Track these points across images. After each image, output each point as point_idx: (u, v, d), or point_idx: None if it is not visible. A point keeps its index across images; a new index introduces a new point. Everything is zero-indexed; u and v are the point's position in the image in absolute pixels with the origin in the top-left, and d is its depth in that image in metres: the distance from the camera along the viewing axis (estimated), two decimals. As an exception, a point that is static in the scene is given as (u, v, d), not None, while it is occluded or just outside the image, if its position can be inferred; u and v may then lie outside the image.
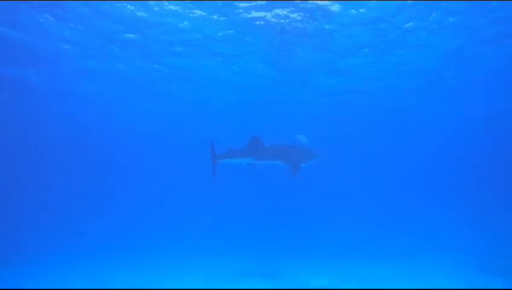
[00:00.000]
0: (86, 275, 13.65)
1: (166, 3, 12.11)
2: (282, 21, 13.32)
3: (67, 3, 12.03)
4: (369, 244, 18.18)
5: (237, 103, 27.06)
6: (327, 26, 13.74)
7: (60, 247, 18.76)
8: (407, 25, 13.86)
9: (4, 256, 16.39)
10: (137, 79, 21.07)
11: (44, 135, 35.41)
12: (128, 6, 12.30)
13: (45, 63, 18.07)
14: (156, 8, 12.42)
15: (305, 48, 16.19)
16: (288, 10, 12.56)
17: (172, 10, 12.55)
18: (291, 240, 20.12)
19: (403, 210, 30.79)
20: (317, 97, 25.29)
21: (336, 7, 12.27)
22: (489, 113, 30.03)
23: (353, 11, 12.55)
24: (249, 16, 12.89)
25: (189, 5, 12.19)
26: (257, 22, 13.40)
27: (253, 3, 12.02)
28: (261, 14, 12.83)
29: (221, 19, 13.17)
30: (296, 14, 12.86)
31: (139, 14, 12.80)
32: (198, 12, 12.71)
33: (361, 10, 12.56)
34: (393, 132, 37.49)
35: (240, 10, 12.49)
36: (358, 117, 31.09)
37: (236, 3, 11.97)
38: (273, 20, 13.24)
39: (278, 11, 12.63)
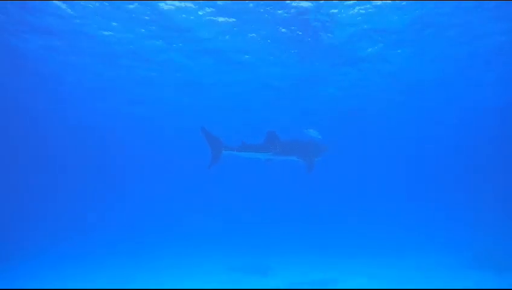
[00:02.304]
0: (86, 272, 14.02)
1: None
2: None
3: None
4: (363, 240, 18.53)
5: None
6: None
7: (62, 244, 19.17)
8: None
9: (7, 252, 16.77)
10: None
11: (47, 131, 34.91)
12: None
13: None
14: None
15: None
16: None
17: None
18: (283, 236, 20.46)
19: (396, 207, 31.15)
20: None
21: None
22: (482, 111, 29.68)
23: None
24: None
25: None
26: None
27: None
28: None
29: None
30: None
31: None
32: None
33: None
34: (391, 129, 37.22)
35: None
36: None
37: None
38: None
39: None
